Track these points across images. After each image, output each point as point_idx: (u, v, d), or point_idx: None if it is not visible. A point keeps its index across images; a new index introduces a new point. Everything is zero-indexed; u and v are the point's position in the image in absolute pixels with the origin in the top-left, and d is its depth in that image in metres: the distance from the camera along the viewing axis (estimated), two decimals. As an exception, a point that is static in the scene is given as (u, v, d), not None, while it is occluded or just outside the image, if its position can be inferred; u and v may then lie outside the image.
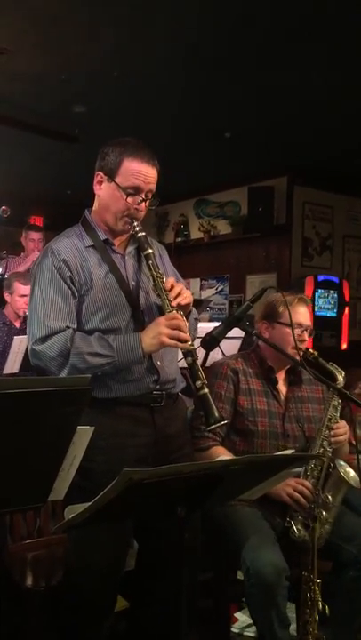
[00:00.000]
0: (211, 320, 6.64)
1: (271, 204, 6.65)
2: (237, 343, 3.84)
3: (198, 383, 1.94)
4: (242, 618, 2.66)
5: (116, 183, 2.02)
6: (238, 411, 2.38)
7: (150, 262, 2.01)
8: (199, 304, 5.48)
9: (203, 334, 2.25)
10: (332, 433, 2.27)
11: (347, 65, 4.25)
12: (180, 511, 1.49)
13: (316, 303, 6.57)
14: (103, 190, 2.07)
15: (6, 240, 6.23)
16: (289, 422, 2.41)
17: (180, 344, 1.93)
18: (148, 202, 2.06)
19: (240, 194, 7.09)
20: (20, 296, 3.88)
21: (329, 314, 6.74)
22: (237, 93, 4.81)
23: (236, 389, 2.40)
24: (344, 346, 6.78)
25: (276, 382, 2.46)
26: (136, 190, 2.02)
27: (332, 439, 2.27)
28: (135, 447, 1.96)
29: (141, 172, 2.03)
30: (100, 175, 2.07)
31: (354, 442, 2.53)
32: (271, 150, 6.09)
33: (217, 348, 3.59)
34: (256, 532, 2.14)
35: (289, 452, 2.11)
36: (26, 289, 3.89)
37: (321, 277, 6.69)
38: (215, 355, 3.76)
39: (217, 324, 2.28)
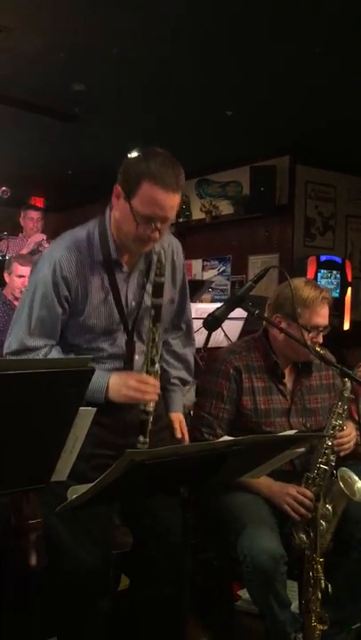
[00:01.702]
0: (213, 301, 6.63)
1: (273, 184, 6.60)
2: (240, 324, 3.83)
3: (141, 438, 1.90)
4: (245, 595, 2.68)
5: (130, 205, 1.82)
6: (242, 411, 2.29)
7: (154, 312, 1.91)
8: (201, 285, 5.47)
9: (205, 315, 2.22)
10: (336, 442, 2.18)
11: (348, 40, 4.18)
12: (183, 491, 1.49)
13: (319, 283, 6.53)
14: (118, 206, 1.89)
15: (6, 221, 6.19)
16: (295, 417, 2.33)
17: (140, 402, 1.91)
18: (162, 229, 1.86)
19: (242, 174, 7.03)
20: (17, 276, 3.88)
21: (332, 294, 6.70)
22: (239, 71, 4.75)
23: (238, 389, 2.29)
24: (347, 326, 6.77)
25: (283, 376, 2.34)
26: (150, 219, 1.82)
27: (336, 448, 2.18)
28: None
29: (159, 201, 1.80)
30: (117, 189, 1.87)
31: (357, 417, 2.47)
32: (273, 129, 6.03)
33: (219, 330, 3.60)
34: (254, 520, 2.11)
35: (292, 432, 2.09)
36: (23, 269, 3.88)
37: (323, 258, 6.66)
38: (217, 336, 3.75)
39: (219, 304, 2.20)
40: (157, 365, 1.95)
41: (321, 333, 2.27)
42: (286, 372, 2.37)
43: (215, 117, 5.73)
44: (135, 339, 2.00)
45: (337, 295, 6.75)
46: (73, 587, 1.84)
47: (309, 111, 5.48)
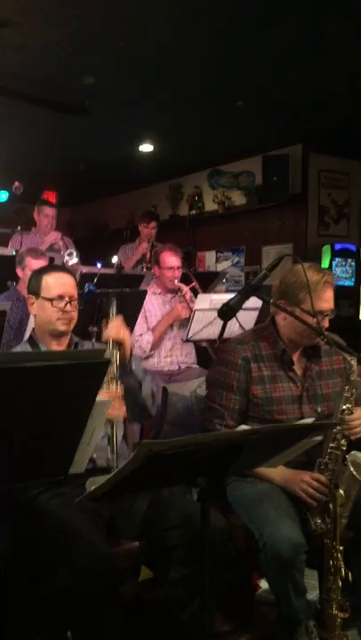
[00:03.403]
0: (227, 292, 6.62)
1: (286, 173, 6.54)
2: (254, 314, 3.81)
3: (111, 456, 2.13)
4: (265, 586, 2.69)
5: None
6: (253, 400, 2.30)
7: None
8: (215, 277, 5.46)
9: (219, 306, 2.21)
10: (345, 426, 2.16)
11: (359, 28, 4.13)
12: (201, 481, 1.49)
13: (334, 272, 6.47)
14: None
15: (19, 216, 6.21)
16: (307, 403, 2.32)
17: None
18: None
19: (254, 163, 6.98)
20: (30, 271, 3.86)
21: (347, 283, 6.65)
22: (248, 60, 4.71)
23: (248, 379, 2.29)
24: (362, 315, 6.72)
25: (292, 363, 2.33)
26: None
27: (346, 432, 2.16)
28: None
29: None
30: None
31: None
32: (285, 117, 5.97)
33: (234, 320, 3.59)
34: (274, 508, 2.12)
35: (309, 420, 2.08)
36: (37, 263, 3.86)
37: (338, 246, 6.59)
38: (233, 327, 3.74)
39: (233, 294, 2.20)
40: None
41: (326, 317, 2.25)
42: (295, 359, 2.36)
43: (226, 107, 5.69)
44: None
45: (352, 284, 6.69)
46: (85, 574, 1.84)
47: (321, 99, 5.43)
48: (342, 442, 2.16)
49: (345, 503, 2.15)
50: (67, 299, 2.29)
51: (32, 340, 2.37)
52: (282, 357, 2.32)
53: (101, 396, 2.00)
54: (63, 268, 2.54)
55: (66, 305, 2.28)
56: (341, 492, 2.14)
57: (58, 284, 2.31)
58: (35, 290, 2.34)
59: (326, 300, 2.23)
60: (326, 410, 2.32)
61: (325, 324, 2.25)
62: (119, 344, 2.27)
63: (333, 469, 2.15)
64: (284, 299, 2.25)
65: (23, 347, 2.39)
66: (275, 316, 2.36)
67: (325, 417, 2.30)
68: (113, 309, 2.38)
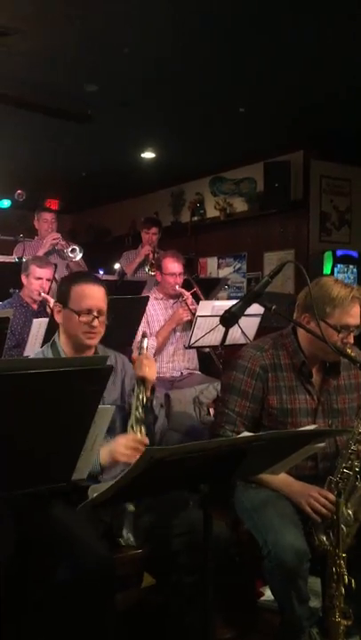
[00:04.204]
0: (229, 299, 6.62)
1: (288, 180, 6.56)
2: (256, 320, 3.81)
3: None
4: (267, 592, 2.68)
5: None
6: (268, 410, 2.26)
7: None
8: (217, 283, 5.47)
9: (221, 312, 2.21)
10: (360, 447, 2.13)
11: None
12: (204, 488, 1.49)
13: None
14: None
15: (22, 224, 6.23)
16: (321, 417, 2.28)
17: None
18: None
19: (256, 170, 7.00)
20: (35, 279, 3.88)
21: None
22: (250, 67, 4.73)
23: (265, 388, 2.25)
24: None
25: (311, 375, 2.29)
26: None
27: None
28: None
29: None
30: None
31: None
32: (286, 124, 5.99)
33: (236, 327, 3.60)
34: (278, 515, 2.11)
35: (312, 427, 2.07)
36: (41, 271, 3.89)
37: (340, 252, 6.59)
38: (235, 334, 3.75)
39: (235, 301, 2.19)
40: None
41: (352, 333, 2.20)
42: (314, 371, 2.32)
43: (228, 114, 5.71)
44: None
45: (354, 290, 6.69)
46: (85, 576, 1.84)
47: (322, 105, 5.45)
48: (356, 462, 2.13)
49: (352, 525, 2.13)
50: (95, 313, 2.16)
51: (55, 348, 2.26)
52: (301, 369, 2.28)
53: (127, 445, 2.04)
54: (95, 278, 2.35)
55: (93, 319, 2.16)
56: (351, 512, 2.12)
57: (87, 296, 2.18)
58: (63, 299, 2.21)
59: (353, 316, 2.19)
60: (340, 425, 2.29)
61: (350, 339, 2.21)
62: (144, 382, 2.21)
63: (343, 489, 2.13)
64: (308, 312, 2.21)
65: (46, 351, 2.28)
66: (297, 326, 2.31)
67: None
68: (144, 345, 2.34)
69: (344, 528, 2.10)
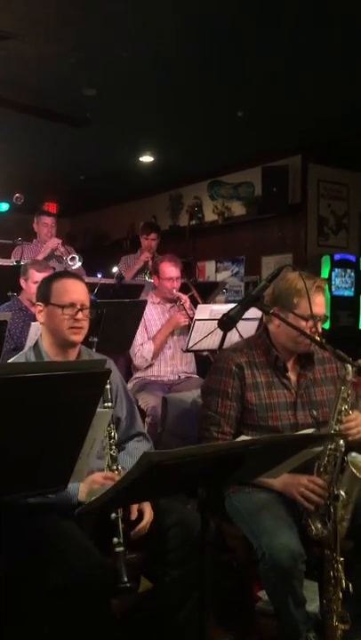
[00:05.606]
0: (227, 302, 6.62)
1: (286, 184, 6.58)
2: (254, 324, 3.81)
3: (115, 540, 1.93)
4: (265, 597, 2.68)
5: None
6: (247, 407, 2.31)
7: None
8: (215, 287, 5.48)
9: (219, 316, 2.22)
10: (342, 427, 2.17)
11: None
12: (202, 492, 1.49)
13: (333, 283, 6.51)
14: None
15: (20, 227, 6.24)
16: (301, 410, 2.34)
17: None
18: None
19: (254, 174, 7.02)
20: (34, 282, 3.88)
21: (346, 293, 6.68)
22: (248, 71, 4.75)
23: (242, 385, 2.31)
24: (362, 325, 6.72)
25: (286, 370, 2.36)
26: None
27: (344, 432, 2.16)
28: None
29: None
30: None
31: None
32: (284, 129, 6.01)
33: (234, 331, 3.59)
34: (272, 518, 2.12)
35: (309, 431, 2.08)
36: (40, 275, 3.88)
37: (337, 256, 6.62)
38: (233, 338, 3.75)
39: (233, 305, 2.20)
40: None
41: (319, 322, 2.28)
42: (289, 366, 2.39)
43: (226, 118, 5.73)
44: None
45: (352, 294, 6.71)
46: (78, 579, 1.83)
47: (320, 110, 5.46)
48: (340, 443, 2.17)
49: (347, 505, 2.15)
50: (78, 306, 2.17)
51: (37, 350, 2.25)
52: (275, 364, 2.35)
53: (106, 476, 2.01)
54: (75, 274, 2.37)
55: (77, 313, 2.16)
56: (343, 492, 2.14)
57: (69, 290, 2.19)
58: (44, 296, 2.21)
59: (319, 305, 2.28)
60: (321, 415, 2.34)
61: (319, 328, 2.28)
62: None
63: (333, 471, 2.16)
64: (277, 305, 2.28)
65: (28, 355, 2.27)
66: (267, 324, 2.40)
67: (322, 421, 2.31)
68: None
69: (340, 512, 2.11)
